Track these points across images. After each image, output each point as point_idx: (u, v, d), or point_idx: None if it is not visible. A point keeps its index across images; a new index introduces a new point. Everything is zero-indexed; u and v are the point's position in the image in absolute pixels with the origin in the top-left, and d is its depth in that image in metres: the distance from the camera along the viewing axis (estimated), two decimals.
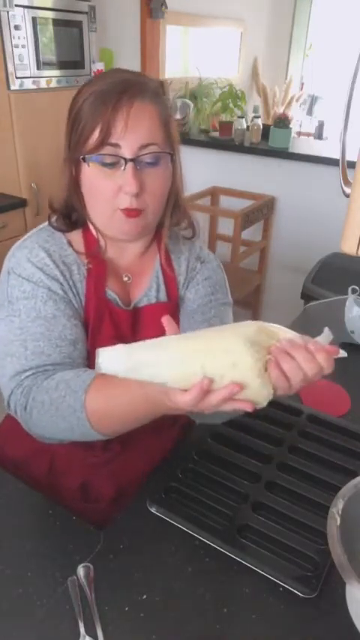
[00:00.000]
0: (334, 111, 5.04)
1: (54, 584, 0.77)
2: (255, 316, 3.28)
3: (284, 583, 0.78)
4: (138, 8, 3.09)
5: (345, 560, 0.68)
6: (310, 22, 4.87)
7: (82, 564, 0.80)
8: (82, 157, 0.83)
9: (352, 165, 0.66)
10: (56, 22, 2.37)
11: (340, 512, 0.75)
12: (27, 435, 0.87)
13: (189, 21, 3.58)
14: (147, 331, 0.92)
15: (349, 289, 1.46)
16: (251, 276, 3.18)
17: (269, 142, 2.96)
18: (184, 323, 0.97)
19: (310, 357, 0.66)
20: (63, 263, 0.88)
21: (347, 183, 0.67)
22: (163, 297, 0.97)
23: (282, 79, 4.73)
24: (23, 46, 2.25)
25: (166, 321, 0.68)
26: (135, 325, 0.94)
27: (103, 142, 0.80)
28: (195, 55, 3.76)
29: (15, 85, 2.28)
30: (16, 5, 2.16)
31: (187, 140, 3.12)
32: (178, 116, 3.16)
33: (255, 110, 3.23)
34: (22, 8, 2.19)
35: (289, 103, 4.42)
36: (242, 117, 3.15)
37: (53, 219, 0.91)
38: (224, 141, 3.07)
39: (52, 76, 2.44)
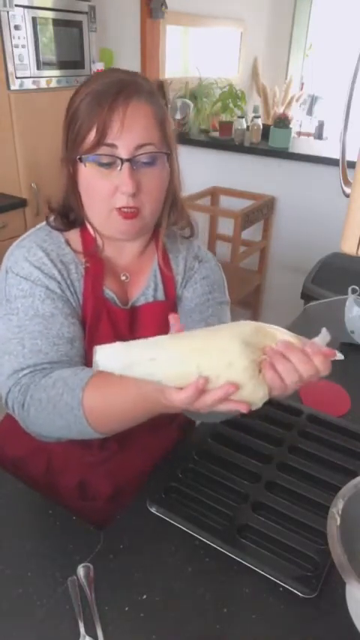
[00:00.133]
0: (334, 111, 5.04)
1: (54, 584, 0.77)
2: (255, 316, 3.28)
3: (284, 583, 0.78)
4: (138, 8, 3.09)
5: (345, 560, 0.68)
6: (310, 22, 4.87)
7: (82, 564, 0.80)
8: (78, 157, 0.83)
9: (352, 165, 0.66)
10: (56, 22, 2.37)
11: (340, 512, 0.75)
12: (25, 434, 0.87)
13: (189, 21, 3.58)
14: (145, 330, 0.92)
15: (349, 289, 1.46)
16: (251, 276, 3.18)
17: (269, 142, 2.96)
18: (182, 322, 0.98)
19: (306, 359, 0.66)
20: (61, 262, 0.88)
21: (347, 183, 0.67)
22: (160, 296, 0.98)
23: (282, 79, 4.73)
24: (23, 46, 2.25)
25: (172, 320, 0.69)
26: (133, 324, 0.95)
27: (100, 142, 0.80)
28: (195, 55, 3.76)
29: (15, 85, 2.28)
30: (16, 5, 2.16)
31: (187, 140, 3.12)
32: (178, 116, 3.16)
33: (255, 110, 3.23)
34: (22, 8, 2.19)
35: (289, 103, 4.42)
36: (242, 117, 3.15)
37: (51, 218, 0.92)
38: (224, 141, 3.07)
39: (52, 76, 2.44)
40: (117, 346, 0.65)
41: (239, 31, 4.19)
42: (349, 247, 0.64)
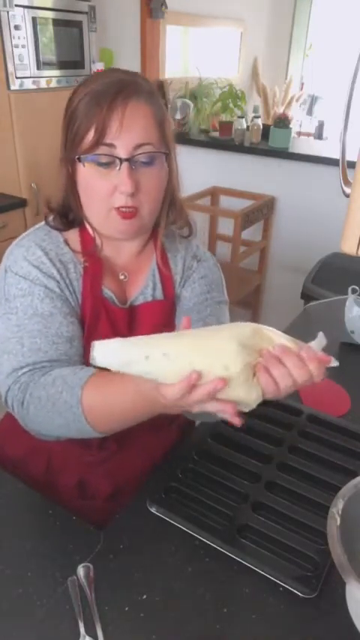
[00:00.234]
0: (334, 111, 5.04)
1: (54, 584, 0.77)
2: (255, 316, 3.28)
3: (284, 583, 0.78)
4: (138, 8, 3.09)
5: (345, 560, 0.68)
6: (310, 22, 4.87)
7: (82, 564, 0.80)
8: (77, 156, 0.83)
9: (352, 165, 0.66)
10: (56, 22, 2.37)
11: (340, 512, 0.75)
12: (25, 433, 0.87)
13: (189, 21, 3.58)
14: (143, 329, 0.93)
15: (349, 289, 1.46)
16: (251, 276, 3.18)
17: (269, 142, 2.96)
18: (181, 321, 0.98)
19: (301, 365, 0.66)
20: (60, 261, 0.89)
21: (347, 183, 0.67)
22: (159, 295, 0.98)
23: (282, 79, 4.73)
24: (23, 46, 2.25)
25: (185, 322, 0.70)
26: (131, 324, 0.95)
27: (98, 142, 0.80)
28: (195, 55, 3.76)
29: (15, 85, 2.28)
30: (16, 5, 2.16)
31: (187, 140, 3.12)
32: (178, 116, 3.16)
33: (255, 110, 3.23)
34: (22, 8, 2.19)
35: (289, 103, 4.42)
36: (242, 117, 3.15)
37: (50, 218, 0.92)
38: (224, 141, 3.07)
39: (52, 76, 2.44)
40: (115, 342, 0.66)
41: (239, 31, 4.19)
42: (349, 247, 0.64)
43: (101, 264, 0.93)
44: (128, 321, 0.94)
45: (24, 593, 0.76)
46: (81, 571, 0.79)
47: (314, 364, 0.67)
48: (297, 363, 0.66)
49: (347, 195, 0.64)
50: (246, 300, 3.18)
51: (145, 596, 0.76)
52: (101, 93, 0.80)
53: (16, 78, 2.27)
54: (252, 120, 3.07)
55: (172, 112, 3.15)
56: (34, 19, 2.25)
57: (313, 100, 5.42)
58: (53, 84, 2.45)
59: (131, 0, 3.07)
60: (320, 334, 0.69)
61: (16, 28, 2.19)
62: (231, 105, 3.47)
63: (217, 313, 0.98)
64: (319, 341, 0.69)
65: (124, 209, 0.84)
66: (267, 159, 2.95)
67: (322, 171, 2.76)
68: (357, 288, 1.46)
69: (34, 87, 2.37)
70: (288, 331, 1.64)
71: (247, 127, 3.12)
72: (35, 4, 2.24)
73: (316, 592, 0.77)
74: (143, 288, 0.97)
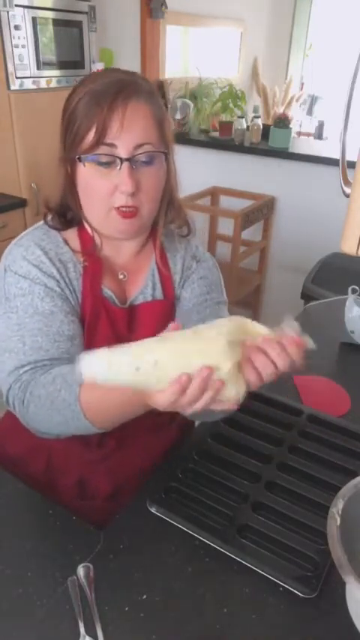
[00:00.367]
0: (334, 111, 5.04)
1: (54, 584, 0.77)
2: (255, 316, 3.28)
3: (284, 583, 0.78)
4: (138, 8, 3.09)
5: (345, 560, 0.68)
6: (310, 22, 4.87)
7: (82, 564, 0.80)
8: (77, 156, 0.83)
9: (352, 165, 0.66)
10: (56, 22, 2.37)
11: (340, 512, 0.75)
12: (25, 431, 0.87)
13: (189, 21, 3.58)
14: (143, 329, 0.93)
15: (349, 289, 1.46)
16: (251, 276, 3.18)
17: (269, 142, 2.96)
18: (180, 322, 0.98)
19: (282, 352, 0.69)
20: (59, 261, 0.89)
21: (347, 183, 0.67)
22: (159, 295, 0.98)
23: (282, 79, 4.73)
24: (23, 46, 2.25)
25: (173, 327, 0.70)
26: (131, 323, 0.95)
27: (99, 141, 0.81)
28: (195, 55, 3.76)
29: (15, 85, 2.28)
30: (16, 5, 2.16)
31: (187, 140, 3.12)
32: (178, 116, 3.16)
33: (255, 110, 3.23)
34: (22, 8, 2.19)
35: (289, 103, 4.42)
36: (242, 117, 3.15)
37: (49, 217, 0.92)
38: (224, 141, 3.07)
39: (52, 76, 2.44)
40: (100, 354, 0.66)
41: (239, 31, 4.19)
42: (349, 247, 0.64)
43: (101, 263, 0.93)
44: (128, 321, 0.94)
45: (24, 593, 0.76)
46: (81, 571, 0.79)
47: (293, 349, 0.70)
48: (279, 351, 0.69)
49: (347, 195, 0.64)
50: (246, 300, 3.18)
51: (145, 596, 0.76)
52: (101, 93, 0.80)
53: (16, 78, 2.27)
54: (252, 120, 3.07)
55: (172, 112, 3.15)
56: (34, 19, 2.25)
57: (313, 100, 5.42)
58: (53, 84, 2.45)
59: (131, 0, 3.07)
60: (288, 317, 0.71)
61: (16, 28, 2.19)
62: (231, 105, 3.47)
63: (216, 314, 0.98)
64: (291, 325, 0.71)
65: (124, 209, 0.84)
66: (267, 159, 2.95)
67: (322, 171, 2.76)
68: (357, 288, 1.46)
69: (34, 87, 2.37)
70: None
71: (247, 127, 3.12)
72: (35, 4, 2.24)
73: (316, 592, 0.77)
74: (143, 288, 0.97)
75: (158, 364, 0.65)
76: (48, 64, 2.40)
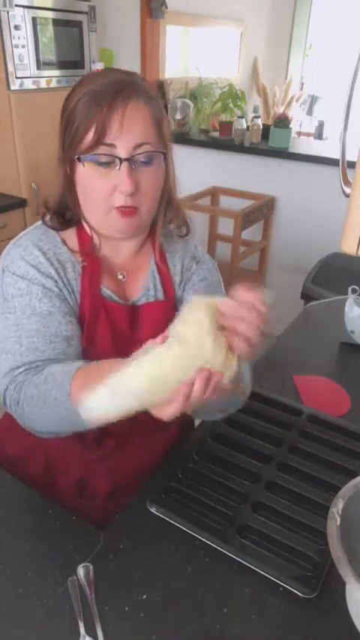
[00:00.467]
0: (334, 111, 5.04)
1: (54, 584, 0.77)
2: None
3: (284, 583, 0.78)
4: (138, 8, 3.09)
5: (345, 560, 0.68)
6: (310, 22, 4.87)
7: (82, 564, 0.80)
8: (77, 156, 0.83)
9: (352, 165, 0.66)
10: (56, 22, 2.37)
11: (340, 512, 0.75)
12: (23, 431, 0.87)
13: (189, 21, 3.58)
14: (146, 329, 0.93)
15: (349, 289, 1.46)
16: (251, 276, 3.17)
17: (269, 142, 2.96)
18: None
19: (253, 310, 0.70)
20: (57, 261, 0.89)
21: (347, 183, 0.67)
22: (160, 295, 0.98)
23: (282, 79, 4.73)
24: (23, 46, 2.25)
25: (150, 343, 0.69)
26: (134, 323, 0.95)
27: (98, 141, 0.81)
28: (195, 55, 3.76)
29: (15, 85, 2.28)
30: (16, 5, 2.16)
31: (187, 140, 3.12)
32: (178, 116, 3.16)
33: (255, 110, 3.23)
34: (22, 8, 2.19)
35: (289, 103, 4.42)
36: (242, 117, 3.15)
37: (47, 217, 0.92)
38: (224, 141, 3.07)
39: (52, 76, 2.44)
40: (100, 391, 0.67)
41: (239, 31, 4.19)
42: (349, 247, 0.64)
43: (99, 263, 0.93)
44: (130, 321, 0.94)
45: (24, 593, 0.76)
46: (81, 571, 0.79)
47: (258, 304, 0.70)
48: (251, 311, 0.70)
49: (347, 195, 0.64)
50: None
51: (145, 596, 0.76)
52: (100, 93, 0.80)
53: (16, 78, 2.28)
54: (252, 120, 3.07)
55: (172, 112, 3.15)
56: (34, 19, 2.25)
57: (313, 100, 5.42)
58: (53, 84, 2.45)
59: (131, 0, 3.07)
60: (264, 290, 0.72)
61: (16, 28, 2.19)
62: (231, 105, 3.47)
63: None
64: (268, 294, 0.72)
65: (123, 208, 0.84)
66: (267, 159, 2.95)
67: (322, 171, 2.76)
68: (357, 288, 1.46)
69: (34, 87, 2.37)
70: (288, 331, 1.65)
71: (247, 127, 3.12)
72: (35, 4, 2.24)
73: (316, 592, 0.77)
74: (145, 290, 0.97)
75: (157, 384, 0.66)
76: (48, 64, 2.40)
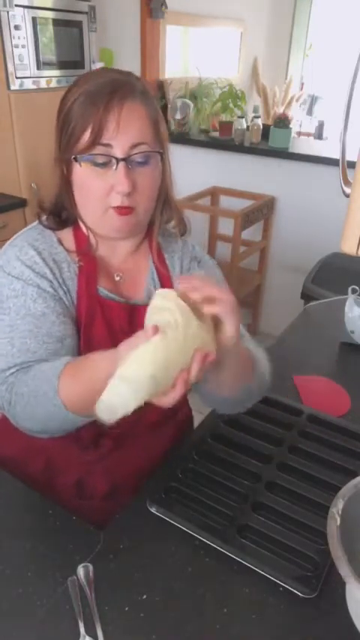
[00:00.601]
0: (334, 111, 5.04)
1: (54, 584, 0.77)
2: (255, 316, 3.27)
3: (284, 583, 0.78)
4: (138, 8, 3.08)
5: (345, 560, 0.68)
6: (310, 22, 4.87)
7: (82, 564, 0.80)
8: (73, 156, 0.83)
9: (352, 165, 0.66)
10: (56, 22, 2.37)
11: (340, 512, 0.75)
12: (20, 433, 0.87)
13: (189, 21, 3.58)
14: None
15: (349, 289, 1.46)
16: (251, 276, 3.17)
17: (269, 142, 2.95)
18: None
19: (204, 279, 0.73)
20: (53, 261, 0.89)
21: (347, 183, 0.67)
22: None
23: (282, 79, 4.72)
24: (23, 46, 2.25)
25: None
26: (132, 323, 0.94)
27: (95, 142, 0.81)
28: (195, 55, 3.76)
29: (15, 85, 2.28)
30: (16, 5, 2.16)
31: (187, 140, 3.12)
32: (178, 116, 3.16)
33: (255, 110, 3.23)
34: (22, 8, 2.19)
35: (289, 103, 4.42)
36: (242, 117, 3.15)
37: (43, 217, 0.92)
38: (224, 141, 3.07)
39: (52, 76, 2.44)
40: (116, 386, 0.66)
41: (239, 31, 4.19)
42: (349, 247, 0.64)
43: (96, 263, 0.93)
44: (128, 320, 0.94)
45: (24, 593, 0.76)
46: (81, 571, 0.79)
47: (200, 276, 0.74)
48: (203, 279, 0.73)
49: (347, 195, 0.64)
50: (246, 300, 3.18)
51: (145, 596, 0.76)
52: (96, 93, 0.80)
53: (16, 78, 2.28)
54: (252, 120, 3.07)
55: (172, 112, 3.15)
56: (34, 19, 2.25)
57: (313, 100, 5.42)
58: (53, 84, 2.45)
59: (131, 0, 3.07)
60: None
61: (16, 28, 2.19)
62: (231, 105, 3.46)
63: None
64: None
65: (120, 208, 0.84)
66: (267, 159, 2.95)
67: (322, 171, 2.76)
68: (357, 288, 1.46)
69: (34, 87, 2.37)
70: (288, 331, 1.64)
71: (247, 127, 3.12)
72: (35, 4, 2.24)
73: (316, 592, 0.77)
74: (146, 291, 0.97)
75: (165, 369, 0.66)
76: (48, 64, 2.40)
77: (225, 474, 0.97)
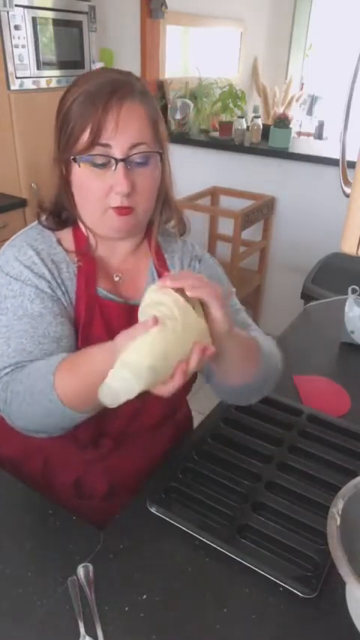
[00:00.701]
0: (334, 111, 5.04)
1: (54, 584, 0.77)
2: (255, 316, 3.27)
3: (284, 583, 0.78)
4: (138, 8, 3.08)
5: (345, 560, 0.68)
6: (310, 22, 4.87)
7: (82, 564, 0.80)
8: (72, 157, 0.83)
9: (352, 165, 0.66)
10: (56, 22, 2.37)
11: (340, 512, 0.75)
12: (18, 433, 0.87)
13: (189, 21, 3.58)
14: None
15: (349, 289, 1.46)
16: (251, 276, 3.17)
17: (269, 142, 2.95)
18: None
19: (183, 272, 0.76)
20: (52, 261, 0.89)
21: (347, 183, 0.67)
22: None
23: (282, 79, 4.72)
24: (23, 46, 2.25)
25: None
26: (131, 324, 0.94)
27: (94, 142, 0.80)
28: (195, 55, 3.76)
29: (15, 85, 2.28)
30: (16, 5, 2.16)
31: (187, 140, 3.12)
32: (178, 116, 3.16)
33: (255, 110, 3.23)
34: (22, 8, 2.19)
35: (289, 103, 4.42)
36: (242, 117, 3.15)
37: (43, 217, 0.92)
38: (224, 141, 3.07)
39: (52, 76, 2.44)
40: (120, 372, 0.66)
41: (239, 31, 4.19)
42: (349, 247, 0.63)
43: (95, 263, 0.93)
44: (128, 320, 0.94)
45: (24, 593, 0.76)
46: (81, 571, 0.79)
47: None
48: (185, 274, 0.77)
49: (347, 195, 0.64)
50: (246, 300, 3.18)
51: (145, 596, 0.76)
52: (95, 93, 0.80)
53: (16, 78, 2.27)
54: (252, 120, 3.07)
55: (172, 112, 3.15)
56: (34, 19, 2.25)
57: (313, 100, 5.42)
58: (53, 84, 2.45)
59: (131, 0, 3.07)
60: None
61: (16, 28, 2.19)
62: (231, 105, 3.46)
63: (230, 305, 0.98)
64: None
65: (119, 208, 0.84)
66: (267, 159, 2.95)
67: (322, 171, 2.76)
68: (357, 288, 1.46)
69: (34, 87, 2.37)
70: (288, 331, 1.65)
71: (247, 127, 3.12)
72: (35, 4, 2.24)
73: (316, 592, 0.77)
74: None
75: (166, 359, 0.66)
76: (48, 64, 2.40)
77: (225, 474, 0.97)
